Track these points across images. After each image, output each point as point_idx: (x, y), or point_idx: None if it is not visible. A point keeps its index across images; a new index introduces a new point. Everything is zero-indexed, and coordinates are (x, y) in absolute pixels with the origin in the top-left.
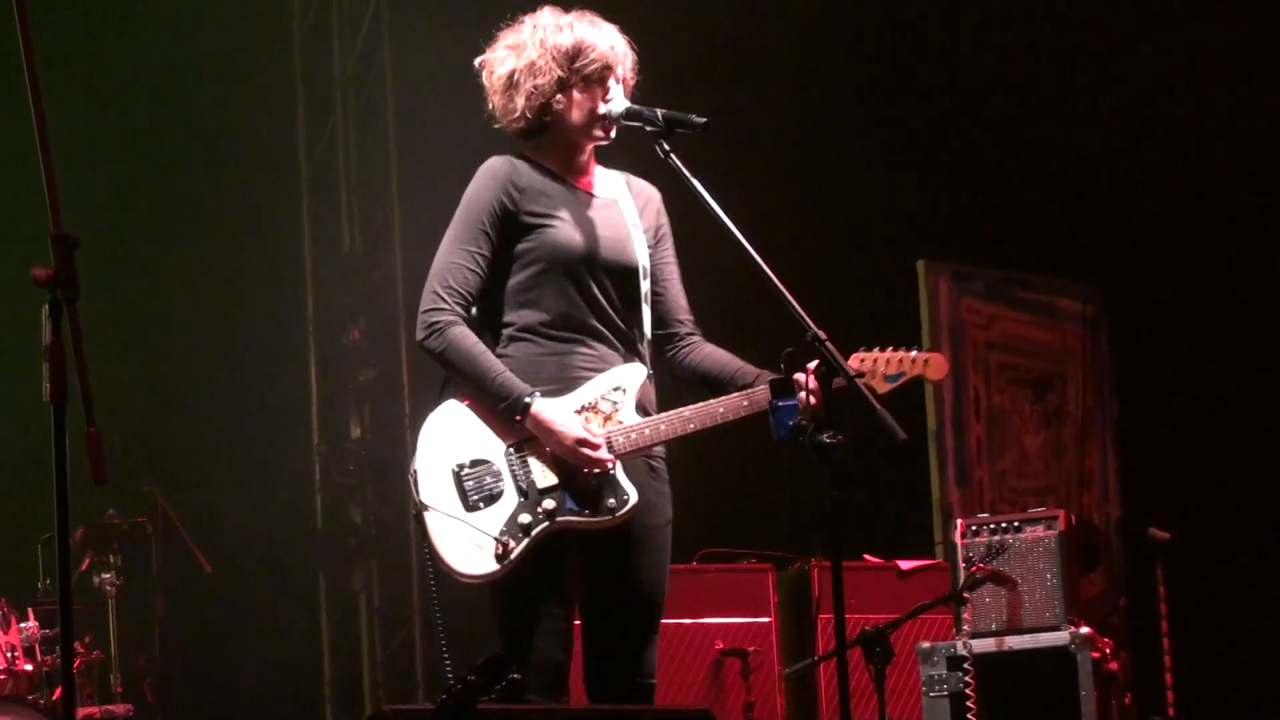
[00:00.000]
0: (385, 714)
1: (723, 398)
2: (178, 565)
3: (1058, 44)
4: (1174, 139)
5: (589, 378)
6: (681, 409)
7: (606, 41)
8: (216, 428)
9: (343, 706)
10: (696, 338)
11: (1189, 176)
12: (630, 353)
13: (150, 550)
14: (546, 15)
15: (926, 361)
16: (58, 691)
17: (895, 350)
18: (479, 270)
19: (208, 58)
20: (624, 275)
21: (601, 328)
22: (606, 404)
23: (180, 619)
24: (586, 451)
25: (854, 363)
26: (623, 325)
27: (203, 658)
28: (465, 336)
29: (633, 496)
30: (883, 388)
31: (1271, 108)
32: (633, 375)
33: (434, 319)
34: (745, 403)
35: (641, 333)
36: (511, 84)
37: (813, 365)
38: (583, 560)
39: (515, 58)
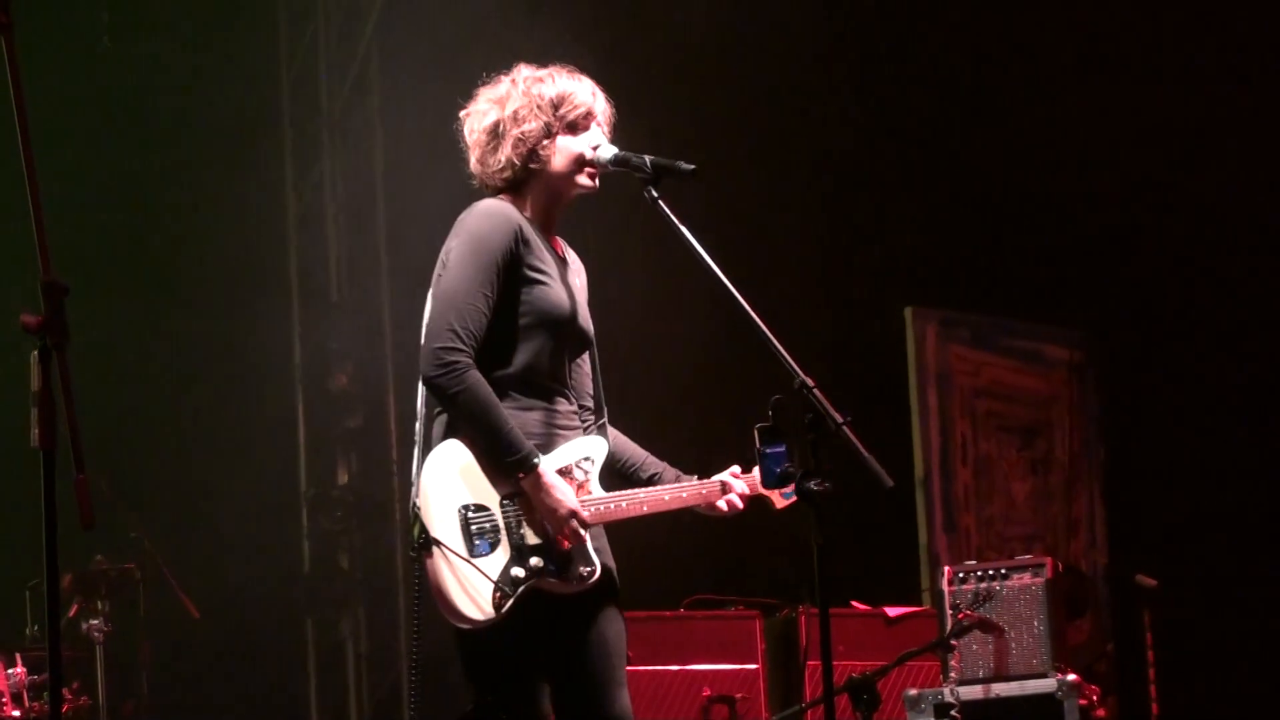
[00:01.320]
0: None
1: (687, 484)
2: (165, 611)
3: (1046, 91)
4: (1162, 186)
5: (563, 436)
6: (643, 490)
7: (587, 90)
8: (204, 474)
9: None
10: (604, 418)
11: (1176, 224)
12: (582, 419)
13: (138, 596)
14: (525, 70)
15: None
16: None
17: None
18: (489, 314)
19: (196, 102)
20: (585, 343)
21: (565, 389)
22: (579, 473)
23: (167, 665)
24: (575, 525)
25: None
26: (579, 390)
27: (190, 704)
28: (483, 385)
29: (598, 568)
30: (780, 503)
31: (1261, 151)
32: (598, 448)
33: (452, 358)
34: (685, 495)
35: (599, 403)
36: (496, 135)
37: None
38: (554, 614)
39: (499, 109)
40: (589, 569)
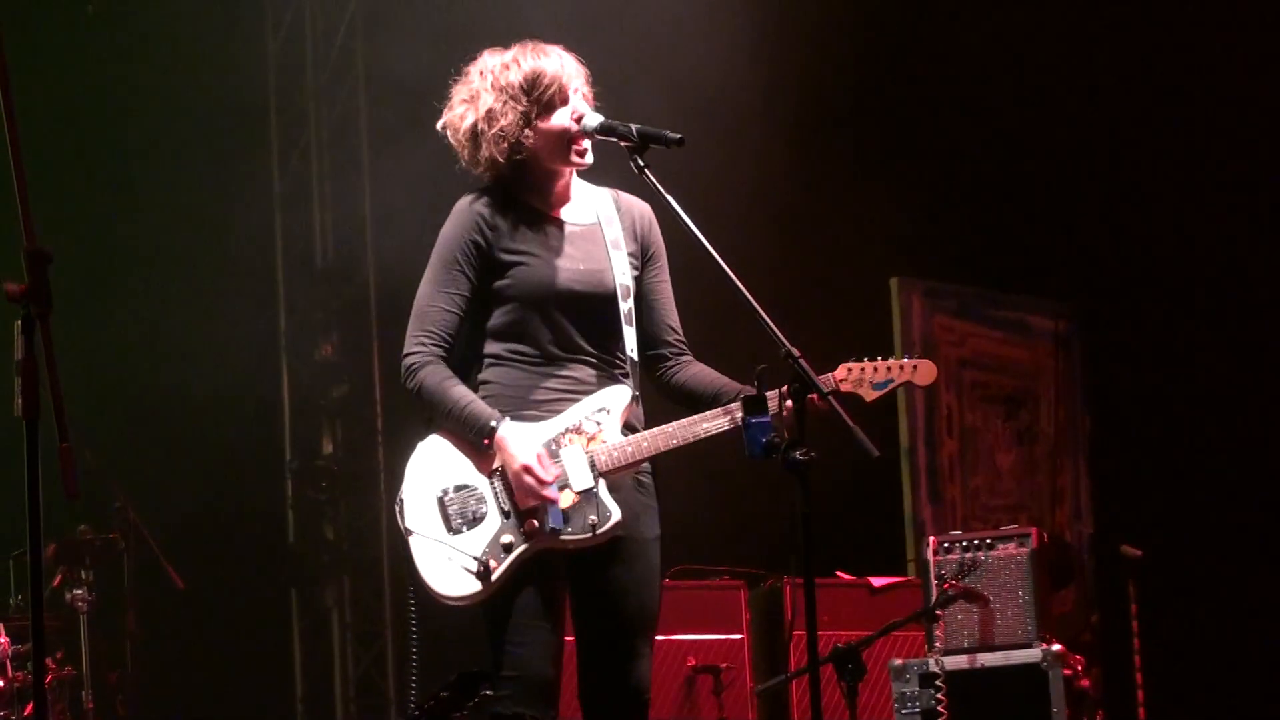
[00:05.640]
0: None
1: (704, 414)
2: (150, 581)
3: (1031, 63)
4: (1146, 158)
5: (567, 401)
6: (665, 425)
7: (555, 63)
8: (188, 443)
9: None
10: (686, 356)
11: (1161, 195)
12: (610, 375)
13: (122, 566)
14: (489, 59)
15: (915, 368)
16: (29, 708)
17: (884, 360)
18: (457, 310)
19: (181, 71)
20: (600, 302)
21: (578, 354)
22: (591, 424)
23: (152, 635)
24: (529, 480)
25: (841, 371)
26: (600, 350)
27: (174, 674)
28: (435, 372)
29: (615, 514)
30: (870, 395)
31: (1244, 125)
32: (617, 396)
33: (409, 362)
34: (726, 419)
35: (624, 354)
36: (476, 136)
37: (785, 388)
38: (573, 577)
39: (473, 110)
40: (603, 517)
